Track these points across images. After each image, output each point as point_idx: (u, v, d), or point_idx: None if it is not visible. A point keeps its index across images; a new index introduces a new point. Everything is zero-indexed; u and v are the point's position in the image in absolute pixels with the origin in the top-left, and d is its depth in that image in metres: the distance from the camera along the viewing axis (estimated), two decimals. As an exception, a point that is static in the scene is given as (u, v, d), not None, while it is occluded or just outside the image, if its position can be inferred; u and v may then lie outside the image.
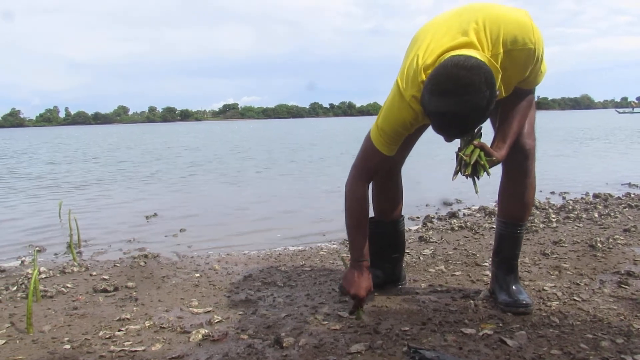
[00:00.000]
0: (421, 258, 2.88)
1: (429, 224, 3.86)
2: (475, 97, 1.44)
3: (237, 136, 27.57)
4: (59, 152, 16.89)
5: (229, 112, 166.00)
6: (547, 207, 4.34)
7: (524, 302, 1.95)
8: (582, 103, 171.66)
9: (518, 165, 1.94)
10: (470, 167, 1.66)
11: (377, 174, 1.97)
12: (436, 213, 4.35)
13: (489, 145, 1.72)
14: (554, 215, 3.92)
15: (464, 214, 4.26)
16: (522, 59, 1.61)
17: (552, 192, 5.30)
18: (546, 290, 2.23)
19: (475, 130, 1.66)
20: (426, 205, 4.75)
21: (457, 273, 2.55)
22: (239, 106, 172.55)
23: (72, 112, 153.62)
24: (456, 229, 3.63)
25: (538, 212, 4.15)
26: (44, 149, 19.44)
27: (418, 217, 4.20)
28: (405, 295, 2.22)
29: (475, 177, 1.69)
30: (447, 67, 1.48)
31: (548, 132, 18.64)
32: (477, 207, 4.47)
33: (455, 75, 1.45)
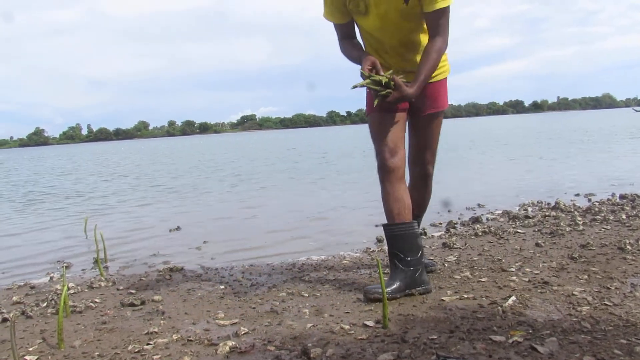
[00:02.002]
0: (446, 265, 2.85)
1: (452, 230, 3.82)
2: None
3: (260, 147, 27.76)
4: (84, 168, 17.23)
5: (247, 123, 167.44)
6: (572, 210, 4.27)
7: (430, 263, 2.64)
8: (603, 102, 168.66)
9: (423, 183, 2.56)
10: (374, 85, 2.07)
11: (340, 38, 2.39)
12: (459, 218, 4.31)
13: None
14: (580, 218, 3.85)
15: (487, 219, 4.21)
16: None
17: (577, 194, 5.21)
18: (576, 295, 2.19)
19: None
20: (448, 211, 4.71)
21: (483, 279, 2.52)
22: (256, 117, 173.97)
23: (94, 129, 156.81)
24: (480, 234, 3.59)
25: (563, 214, 4.08)
26: (70, 165, 19.85)
27: (440, 223, 4.17)
28: (431, 303, 2.20)
29: (376, 94, 2.08)
30: None
31: (563, 134, 18.35)
32: (501, 212, 4.42)
33: None
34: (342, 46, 2.40)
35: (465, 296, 2.26)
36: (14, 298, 2.69)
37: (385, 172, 2.27)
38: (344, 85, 2.50)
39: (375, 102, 2.13)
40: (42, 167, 20.33)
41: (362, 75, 2.14)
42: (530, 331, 1.81)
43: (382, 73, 2.14)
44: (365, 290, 2.30)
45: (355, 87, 2.13)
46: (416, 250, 2.27)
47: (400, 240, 2.27)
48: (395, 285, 2.22)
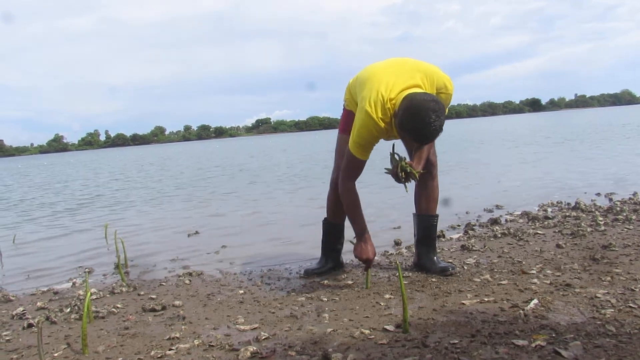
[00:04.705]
0: (465, 267, 2.83)
1: (470, 232, 3.79)
2: (444, 114, 2.23)
3: (278, 149, 27.85)
4: (102, 174, 17.47)
5: (261, 127, 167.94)
6: (593, 210, 4.20)
7: (449, 266, 2.73)
8: (622, 99, 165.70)
9: (429, 172, 2.75)
10: (404, 176, 2.45)
11: (358, 175, 2.60)
12: (477, 220, 4.27)
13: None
14: (601, 218, 3.79)
15: (506, 220, 4.17)
16: (444, 99, 2.46)
17: (598, 194, 5.12)
18: (599, 297, 2.16)
19: (401, 155, 2.50)
20: (466, 213, 4.67)
21: (503, 282, 2.50)
22: (271, 120, 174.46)
23: (112, 135, 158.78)
24: (499, 235, 3.56)
25: (584, 215, 4.02)
26: (91, 172, 20.14)
27: (459, 225, 4.13)
28: (451, 306, 2.19)
29: (409, 181, 2.49)
30: (422, 97, 2.22)
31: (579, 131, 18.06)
32: (520, 213, 4.37)
33: (435, 100, 2.21)
34: (352, 192, 2.60)
35: (486, 299, 2.25)
36: (38, 304, 2.74)
37: (333, 185, 2.85)
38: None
39: (407, 189, 2.57)
40: (67, 173, 20.67)
41: (394, 160, 2.50)
42: (554, 335, 1.79)
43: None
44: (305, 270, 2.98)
45: (388, 172, 2.55)
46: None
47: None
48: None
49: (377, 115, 2.34)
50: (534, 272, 2.62)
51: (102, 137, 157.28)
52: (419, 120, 2.17)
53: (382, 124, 2.36)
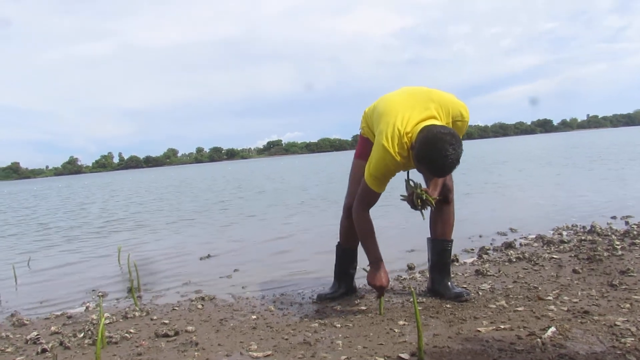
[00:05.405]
0: (480, 293, 2.80)
1: (484, 256, 3.75)
2: (461, 145, 2.23)
3: (290, 170, 27.94)
4: (117, 197, 17.62)
5: (273, 148, 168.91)
6: (609, 234, 4.14)
7: (463, 292, 2.71)
8: (636, 119, 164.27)
9: (445, 197, 2.73)
10: (420, 203, 2.47)
11: (372, 205, 2.61)
12: (491, 244, 4.23)
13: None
14: (618, 242, 3.73)
15: (520, 244, 4.12)
16: (460, 127, 2.49)
17: (613, 217, 5.05)
18: (618, 325, 2.11)
19: (416, 182, 2.53)
20: (479, 236, 4.62)
21: (519, 308, 2.46)
22: (282, 142, 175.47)
23: (125, 157, 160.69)
24: (514, 260, 3.51)
25: (600, 239, 3.96)
26: (107, 195, 20.32)
27: (472, 249, 4.09)
28: (467, 334, 2.16)
29: (426, 209, 2.50)
30: (439, 130, 2.22)
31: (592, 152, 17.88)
32: (534, 236, 4.32)
33: (451, 133, 2.21)
34: (366, 220, 2.61)
35: (502, 327, 2.21)
36: (52, 328, 2.75)
37: (346, 210, 2.85)
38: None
39: (423, 216, 2.60)
40: (83, 195, 20.88)
41: (410, 187, 2.54)
42: (573, 365, 1.75)
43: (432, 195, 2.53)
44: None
45: (404, 199, 2.58)
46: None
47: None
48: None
49: (394, 150, 2.36)
50: (550, 298, 2.58)
51: (116, 160, 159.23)
52: (435, 153, 2.18)
53: (399, 158, 2.38)
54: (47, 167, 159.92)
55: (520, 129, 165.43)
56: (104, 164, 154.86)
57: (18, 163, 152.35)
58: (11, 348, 2.49)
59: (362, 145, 2.81)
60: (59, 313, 3.15)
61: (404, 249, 4.28)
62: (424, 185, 2.59)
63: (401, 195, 2.58)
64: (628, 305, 2.36)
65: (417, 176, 2.61)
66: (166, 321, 2.76)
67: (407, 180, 2.55)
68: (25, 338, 2.60)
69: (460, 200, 7.19)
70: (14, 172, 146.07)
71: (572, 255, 3.53)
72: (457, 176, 2.76)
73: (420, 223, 2.92)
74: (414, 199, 2.47)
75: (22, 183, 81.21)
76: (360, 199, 2.59)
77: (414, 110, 2.41)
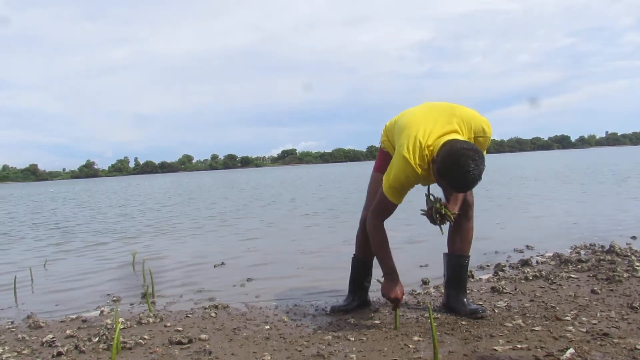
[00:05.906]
0: (496, 311, 2.76)
1: (500, 273, 3.70)
2: (484, 162, 2.23)
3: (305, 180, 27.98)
4: (133, 202, 17.78)
5: (287, 157, 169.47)
6: (629, 254, 4.06)
7: (479, 309, 2.68)
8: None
9: (464, 213, 2.72)
10: (440, 218, 2.47)
11: (388, 216, 2.61)
12: (507, 261, 4.17)
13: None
14: (638, 263, 3.66)
15: (537, 262, 4.06)
16: (482, 142, 2.47)
17: (633, 237, 4.96)
18: (639, 349, 2.07)
19: (436, 196, 2.52)
20: (495, 253, 4.57)
21: (536, 328, 2.42)
22: (297, 151, 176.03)
23: (141, 162, 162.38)
24: (530, 278, 3.46)
25: (620, 259, 3.89)
26: (123, 200, 20.52)
27: (488, 266, 4.04)
28: (483, 352, 2.13)
29: (445, 223, 2.51)
30: (462, 145, 2.21)
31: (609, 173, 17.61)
32: (551, 254, 4.26)
33: (474, 148, 2.21)
34: (380, 230, 2.60)
35: (519, 346, 2.18)
36: (67, 331, 2.78)
37: (362, 222, 2.84)
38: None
39: (442, 231, 2.61)
40: (99, 199, 21.12)
41: (429, 201, 2.55)
42: (592, 388, 1.71)
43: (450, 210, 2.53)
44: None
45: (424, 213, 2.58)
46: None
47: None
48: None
49: (415, 161, 2.36)
50: (568, 318, 2.54)
51: (132, 164, 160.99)
52: (457, 168, 2.17)
53: (420, 170, 2.37)
54: (64, 169, 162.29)
55: (537, 144, 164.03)
56: (119, 168, 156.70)
57: (36, 165, 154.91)
58: (27, 350, 2.51)
59: (382, 158, 2.82)
60: (74, 316, 3.18)
61: (418, 263, 4.25)
62: (443, 200, 2.58)
63: (421, 210, 2.58)
64: (649, 329, 2.31)
65: (437, 190, 2.59)
66: (180, 328, 2.76)
67: (428, 195, 2.54)
68: (41, 340, 2.63)
69: (478, 215, 7.12)
70: (31, 173, 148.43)
71: (591, 275, 3.47)
72: (479, 191, 2.76)
73: (434, 236, 2.91)
74: (433, 213, 2.47)
75: (39, 185, 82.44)
76: (376, 208, 2.60)
77: (436, 124, 2.41)
